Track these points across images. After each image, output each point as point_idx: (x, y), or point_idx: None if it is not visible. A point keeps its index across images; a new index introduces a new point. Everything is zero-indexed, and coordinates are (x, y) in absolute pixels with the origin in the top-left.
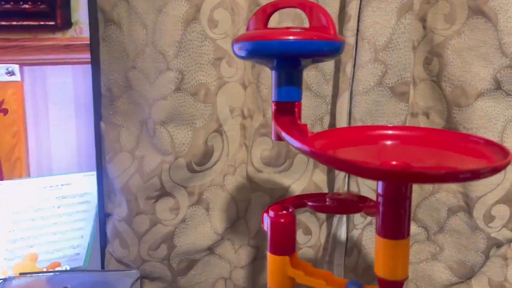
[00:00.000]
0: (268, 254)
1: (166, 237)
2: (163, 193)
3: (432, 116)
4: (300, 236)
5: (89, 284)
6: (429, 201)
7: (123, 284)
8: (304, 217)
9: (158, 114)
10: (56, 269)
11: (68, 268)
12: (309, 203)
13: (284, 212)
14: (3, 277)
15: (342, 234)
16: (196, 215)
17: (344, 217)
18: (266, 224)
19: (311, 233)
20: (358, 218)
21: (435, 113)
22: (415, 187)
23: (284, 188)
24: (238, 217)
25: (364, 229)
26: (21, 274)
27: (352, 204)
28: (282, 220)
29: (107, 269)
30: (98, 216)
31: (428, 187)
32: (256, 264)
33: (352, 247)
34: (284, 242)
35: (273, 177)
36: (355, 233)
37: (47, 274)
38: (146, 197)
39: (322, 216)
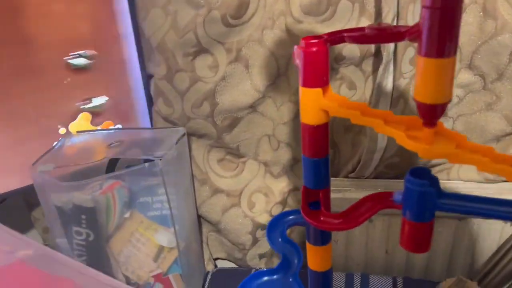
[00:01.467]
0: (300, 88)
1: (208, 94)
2: (200, 49)
3: None
4: (344, 91)
5: (140, 140)
6: (490, 45)
7: (170, 140)
8: (349, 71)
9: None
10: (109, 127)
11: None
12: (346, 35)
13: (316, 40)
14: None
15: (388, 84)
16: (236, 72)
17: (391, 65)
18: (298, 57)
19: (355, 88)
20: (406, 66)
21: None
22: (474, 30)
23: None
24: (279, 73)
25: (412, 78)
26: (78, 132)
27: (393, 32)
28: (315, 49)
29: (155, 127)
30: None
31: (491, 28)
32: (298, 120)
33: (398, 97)
34: (317, 73)
35: (314, 27)
36: (402, 82)
37: (102, 132)
38: (184, 54)
39: (368, 69)
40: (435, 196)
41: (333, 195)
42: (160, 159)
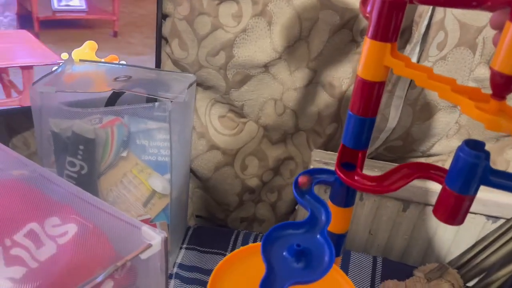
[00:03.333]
0: (368, 40)
1: (226, 44)
2: None
3: None
4: None
5: (147, 80)
6: None
7: (178, 86)
8: None
9: None
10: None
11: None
12: None
13: None
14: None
15: None
16: (258, 27)
17: (418, 47)
18: (373, 5)
19: None
20: (433, 50)
21: None
22: None
23: (357, 9)
24: (300, 37)
25: (435, 63)
26: (81, 60)
27: None
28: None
29: (165, 69)
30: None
31: None
32: (310, 88)
33: None
34: (389, 26)
35: None
36: (426, 65)
37: (106, 64)
38: None
39: None
40: (488, 171)
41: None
42: (171, 101)
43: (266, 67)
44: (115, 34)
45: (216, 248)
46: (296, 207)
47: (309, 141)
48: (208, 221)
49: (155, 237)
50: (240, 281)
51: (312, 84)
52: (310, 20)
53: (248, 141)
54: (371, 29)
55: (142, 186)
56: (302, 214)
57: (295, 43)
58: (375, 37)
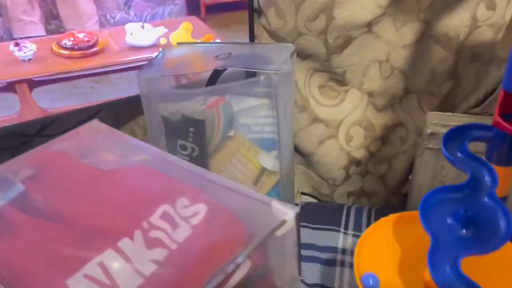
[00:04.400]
0: None
1: (325, 6)
2: None
3: None
4: (481, 11)
5: (247, 55)
6: None
7: (279, 57)
8: None
9: None
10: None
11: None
12: None
13: None
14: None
15: None
16: None
17: None
18: None
19: (494, 8)
20: None
21: None
22: None
23: None
24: None
25: None
26: (178, 43)
27: None
28: None
29: (262, 43)
30: None
31: None
32: (421, 44)
33: None
34: None
35: None
36: None
37: (203, 45)
38: None
39: None
40: None
41: None
42: (276, 73)
43: (369, 26)
44: None
45: (329, 224)
46: (410, 176)
47: (421, 104)
48: (313, 197)
49: (288, 213)
50: (389, 251)
51: (424, 39)
52: None
53: (352, 110)
54: None
55: (250, 165)
56: (418, 185)
57: None
58: None
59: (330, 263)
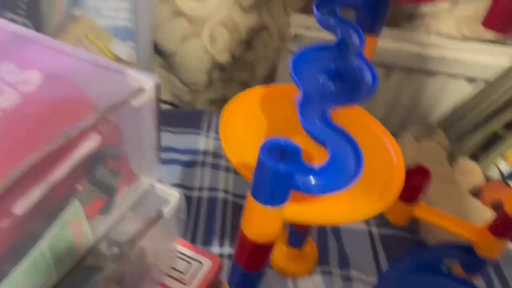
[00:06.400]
0: None
1: None
2: None
3: None
4: None
5: None
6: None
7: None
8: None
9: None
10: None
11: None
12: None
13: None
14: None
15: None
16: None
17: None
18: None
19: None
20: None
21: None
22: None
23: None
24: None
25: None
26: None
27: None
28: None
29: None
30: None
31: None
32: None
33: None
34: None
35: None
36: None
37: None
38: None
39: None
40: None
41: None
42: None
43: None
44: None
45: (190, 127)
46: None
47: (286, 6)
48: (174, 106)
49: (146, 81)
50: (254, 120)
51: None
52: None
53: (218, 8)
54: None
55: (102, 55)
56: None
57: None
58: None
59: (191, 164)
